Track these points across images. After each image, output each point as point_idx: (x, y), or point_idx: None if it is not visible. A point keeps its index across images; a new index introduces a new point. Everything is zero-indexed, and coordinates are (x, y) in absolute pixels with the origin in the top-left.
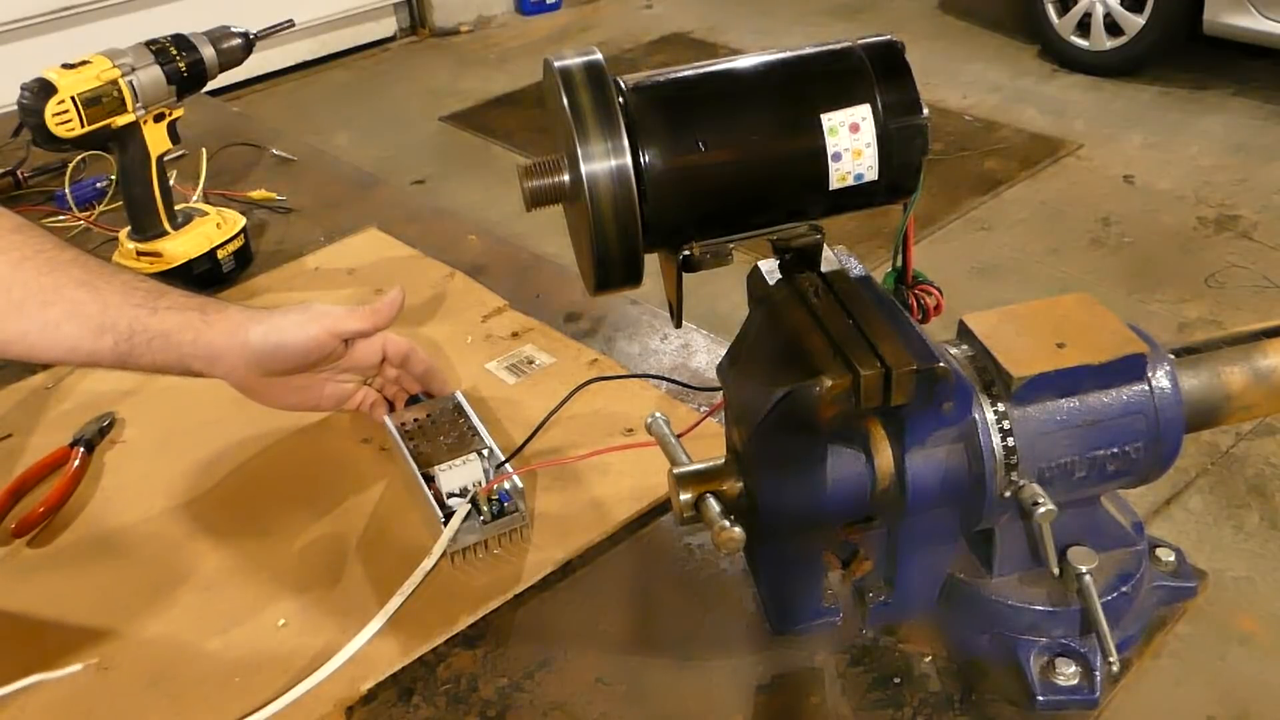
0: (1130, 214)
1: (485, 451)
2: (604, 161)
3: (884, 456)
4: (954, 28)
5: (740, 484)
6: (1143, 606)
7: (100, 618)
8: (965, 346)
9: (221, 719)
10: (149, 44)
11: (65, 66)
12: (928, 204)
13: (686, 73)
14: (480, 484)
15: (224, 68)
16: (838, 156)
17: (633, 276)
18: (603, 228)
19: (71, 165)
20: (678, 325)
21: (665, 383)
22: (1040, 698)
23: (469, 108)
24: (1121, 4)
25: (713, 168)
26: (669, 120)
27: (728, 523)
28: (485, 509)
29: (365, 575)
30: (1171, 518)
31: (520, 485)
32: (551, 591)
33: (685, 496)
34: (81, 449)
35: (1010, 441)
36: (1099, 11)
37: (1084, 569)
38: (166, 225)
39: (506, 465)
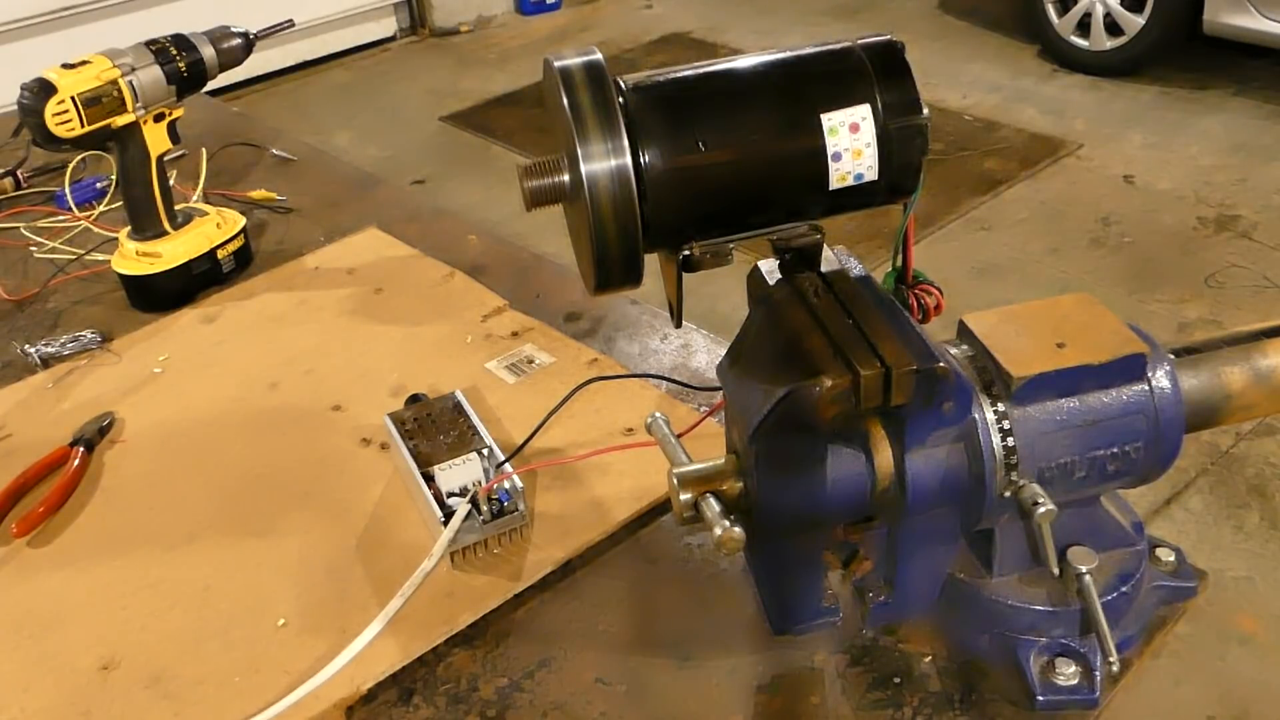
0: (1130, 214)
1: (485, 451)
2: (604, 161)
3: (884, 456)
4: (954, 28)
5: (740, 484)
6: (1143, 606)
7: (100, 618)
8: (965, 346)
9: (221, 719)
10: (149, 44)
11: (65, 66)
12: (928, 204)
13: (686, 73)
14: (480, 483)
15: (224, 68)
16: (838, 156)
17: (633, 276)
18: (603, 228)
19: (71, 165)
20: (678, 325)
21: (665, 383)
22: (1040, 698)
23: (469, 108)
24: (1121, 4)
25: (713, 168)
26: (669, 120)
27: (728, 523)
28: (485, 509)
29: (365, 575)
30: (1171, 518)
31: (520, 485)
32: (551, 591)
33: (685, 496)
34: (81, 449)
35: (1010, 441)
36: (1099, 11)
37: (1084, 569)
38: (166, 225)
39: (506, 465)
